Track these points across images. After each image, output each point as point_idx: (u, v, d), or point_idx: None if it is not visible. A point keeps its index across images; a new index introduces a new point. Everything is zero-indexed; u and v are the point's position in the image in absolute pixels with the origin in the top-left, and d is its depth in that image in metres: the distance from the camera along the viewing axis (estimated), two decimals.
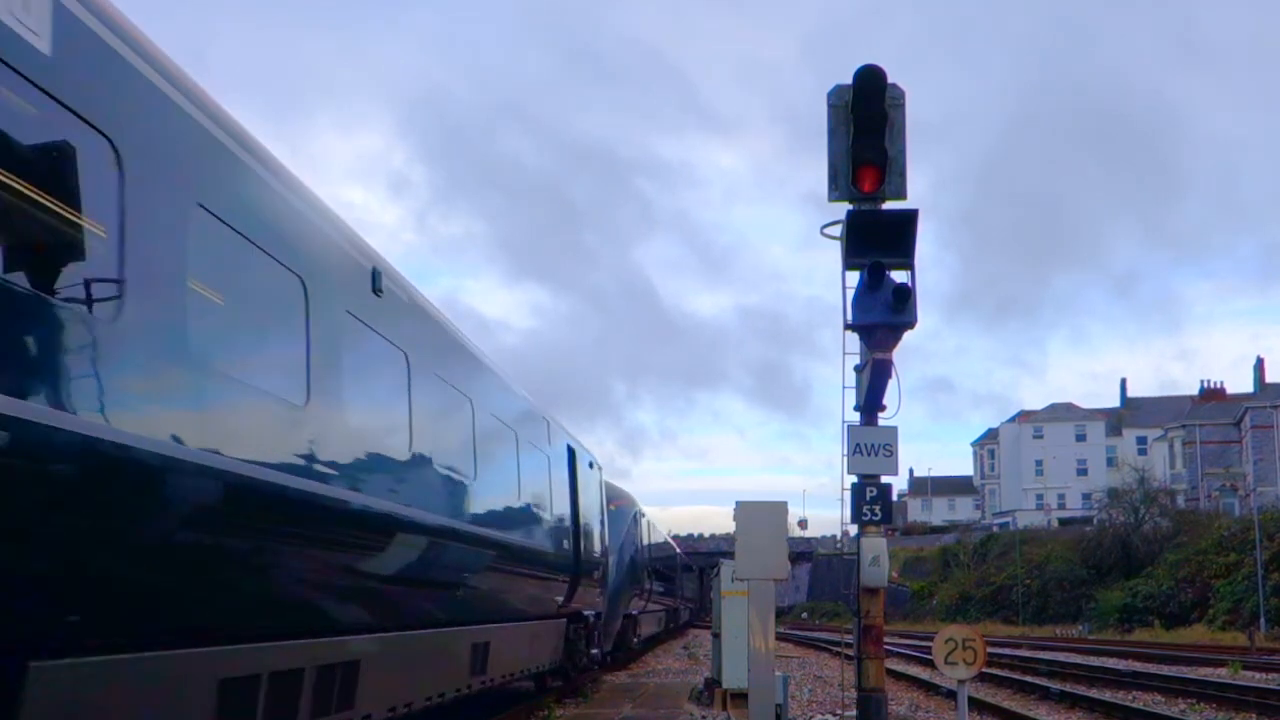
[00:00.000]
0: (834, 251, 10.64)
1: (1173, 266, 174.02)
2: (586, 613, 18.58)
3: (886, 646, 13.07)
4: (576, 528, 17.21)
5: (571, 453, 17.69)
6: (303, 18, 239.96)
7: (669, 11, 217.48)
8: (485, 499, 11.41)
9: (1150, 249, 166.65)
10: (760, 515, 12.71)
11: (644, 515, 31.93)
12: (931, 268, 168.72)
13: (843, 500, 10.69)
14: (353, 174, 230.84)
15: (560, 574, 16.05)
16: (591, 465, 19.33)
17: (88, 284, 4.60)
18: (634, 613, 28.56)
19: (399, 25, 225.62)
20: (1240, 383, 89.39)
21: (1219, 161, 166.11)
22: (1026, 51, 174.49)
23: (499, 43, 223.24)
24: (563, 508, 16.36)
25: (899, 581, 78.37)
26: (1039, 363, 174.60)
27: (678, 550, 53.19)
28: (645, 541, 31.73)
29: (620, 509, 27.03)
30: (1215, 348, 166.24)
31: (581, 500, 17.69)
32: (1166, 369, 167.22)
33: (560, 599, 16.29)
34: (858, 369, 10.73)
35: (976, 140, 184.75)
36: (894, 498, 11.40)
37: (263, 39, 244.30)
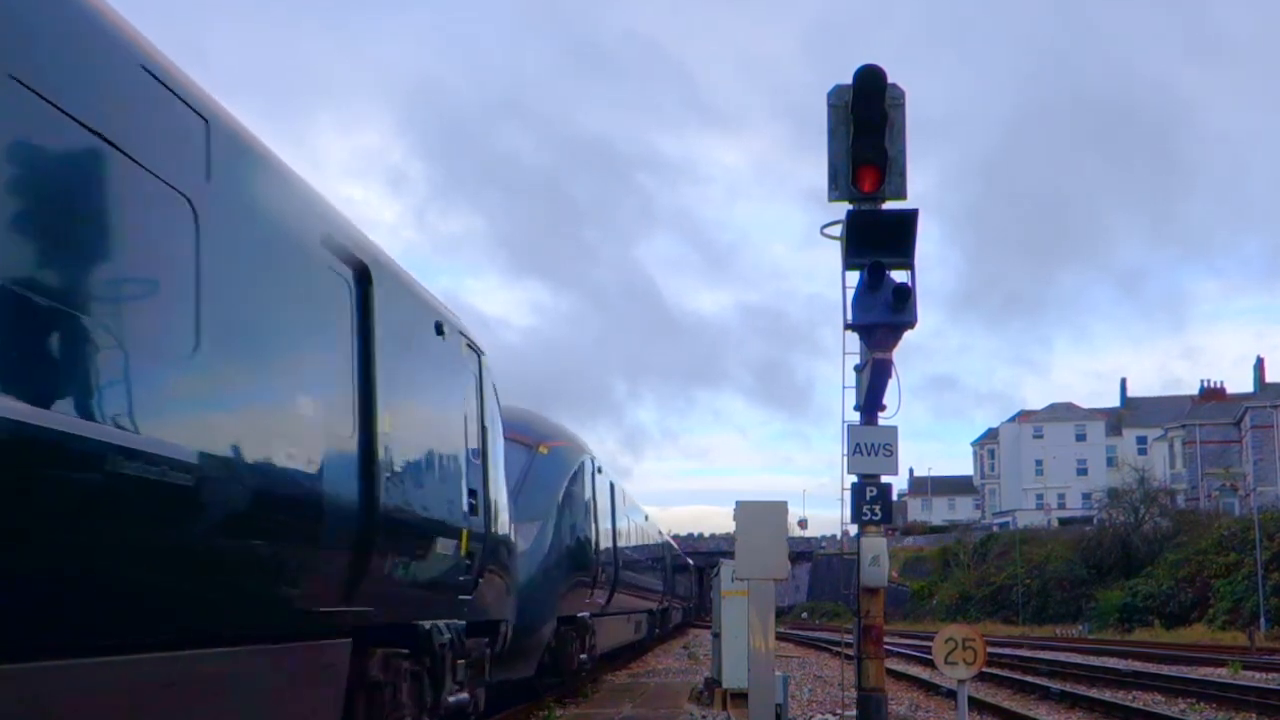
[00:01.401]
0: (835, 249, 10.66)
1: (1178, 264, 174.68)
2: (433, 626, 8.52)
3: (886, 646, 13.08)
4: (374, 441, 7.15)
5: (361, 274, 7.29)
6: (300, 15, 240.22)
7: (669, 6, 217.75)
8: None
9: (1156, 246, 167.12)
10: (760, 515, 12.71)
11: (602, 472, 20.83)
12: (935, 265, 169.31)
13: (843, 500, 10.71)
14: (351, 171, 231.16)
15: (315, 540, 6.50)
16: (443, 330, 9.09)
17: None
18: (584, 615, 18.35)
19: (397, 21, 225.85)
20: (1245, 382, 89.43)
21: (1227, 158, 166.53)
22: (1030, 46, 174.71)
23: (498, 38, 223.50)
24: (324, 387, 6.66)
25: (899, 581, 78.40)
26: (1043, 361, 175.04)
27: (667, 539, 43.70)
28: (610, 516, 21.67)
29: (557, 455, 17.13)
30: (1219, 346, 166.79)
31: (402, 381, 7.88)
32: (1170, 368, 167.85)
33: (317, 594, 6.66)
34: (858, 369, 10.74)
35: (980, 137, 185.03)
36: (894, 498, 11.38)
37: (261, 37, 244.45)
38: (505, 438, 12.46)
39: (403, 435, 7.67)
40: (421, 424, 8.36)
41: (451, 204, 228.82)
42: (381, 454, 7.15)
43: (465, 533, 9.13)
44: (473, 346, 10.28)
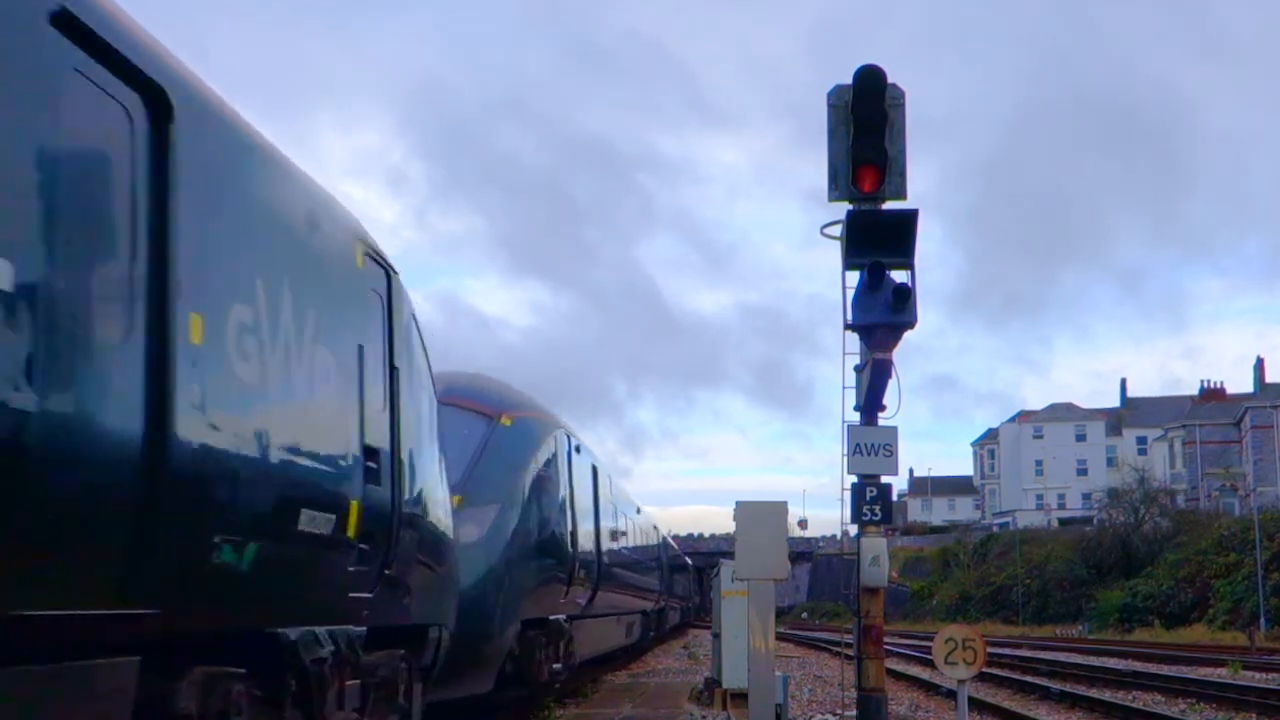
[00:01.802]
0: (836, 249, 10.67)
1: (1179, 264, 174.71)
2: (303, 635, 6.23)
3: (886, 646, 13.09)
4: (170, 354, 4.68)
5: (157, 103, 4.67)
6: (302, 14, 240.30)
7: (671, 6, 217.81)
8: None
9: (1157, 246, 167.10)
10: (760, 515, 12.72)
11: (581, 452, 17.87)
12: (936, 265, 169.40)
13: (843, 500, 10.72)
14: (352, 170, 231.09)
15: (43, 499, 3.93)
16: (320, 224, 6.62)
17: None
18: (558, 618, 15.52)
19: (399, 21, 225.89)
20: (1245, 382, 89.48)
21: (1228, 157, 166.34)
22: (1032, 46, 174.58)
23: (499, 38, 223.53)
24: (63, 260, 4.03)
25: (899, 581, 78.41)
26: (1043, 361, 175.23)
27: (663, 535, 40.74)
28: (593, 503, 18.87)
29: (524, 428, 14.33)
30: (1220, 346, 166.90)
31: (235, 276, 5.39)
32: (1171, 367, 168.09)
33: (67, 588, 4.18)
34: (858, 369, 10.74)
35: (982, 136, 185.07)
36: (894, 498, 11.38)
37: (262, 35, 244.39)
38: (458, 405, 11.33)
39: (229, 353, 5.22)
40: (270, 343, 5.67)
41: (451, 204, 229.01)
42: (183, 374, 4.74)
43: (356, 506, 6.53)
44: (376, 259, 7.39)
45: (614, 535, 21.83)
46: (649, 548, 31.79)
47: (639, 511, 29.83)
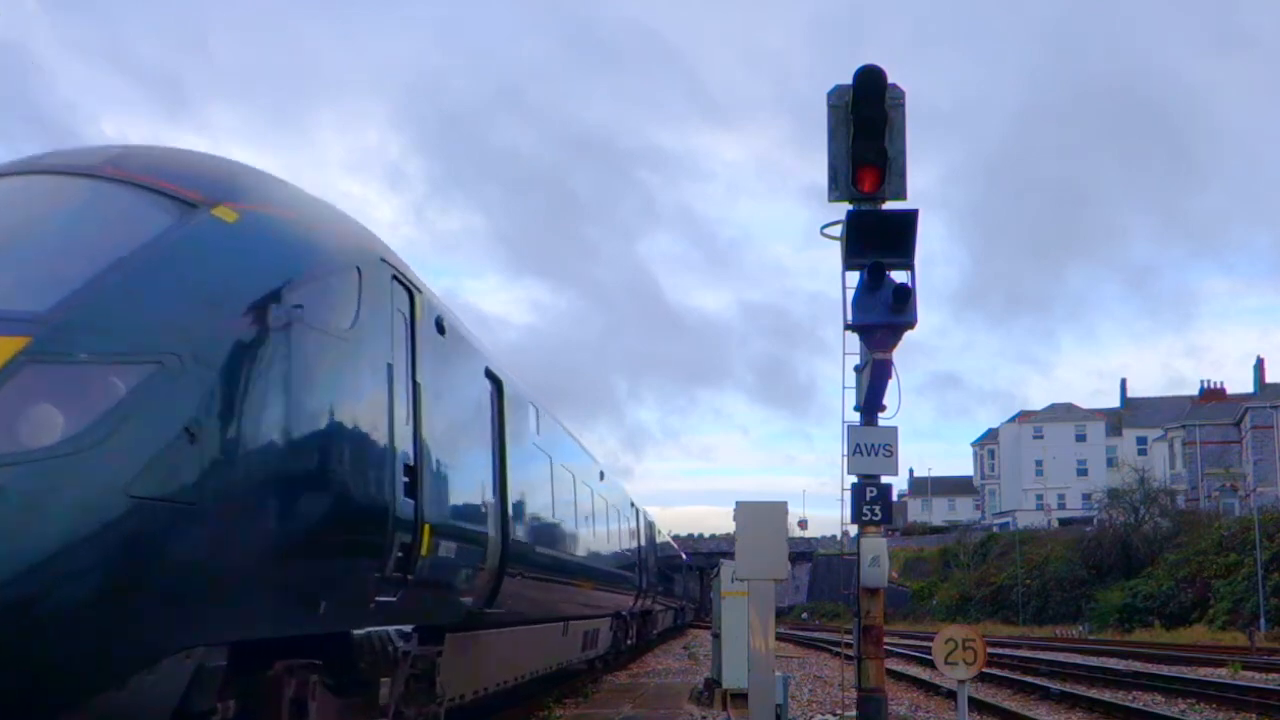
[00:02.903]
0: (837, 247, 10.66)
1: (1186, 262, 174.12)
2: None
3: (886, 646, 13.09)
4: None
5: None
6: (302, 10, 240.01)
7: None
8: None
9: (1165, 244, 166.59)
10: (760, 515, 12.72)
11: (449, 334, 9.28)
12: (940, 263, 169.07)
13: (843, 500, 10.71)
14: (349, 166, 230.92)
15: None
16: None
17: None
18: (385, 631, 7.67)
19: (397, 15, 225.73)
20: (1249, 382, 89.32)
21: (1241, 153, 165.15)
22: (1040, 38, 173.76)
23: (498, 31, 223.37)
24: None
25: (899, 582, 78.40)
26: (1047, 359, 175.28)
27: (648, 519, 32.63)
28: (493, 428, 10.87)
29: (268, 230, 6.34)
30: (1226, 345, 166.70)
31: None
32: (1175, 366, 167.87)
33: None
34: (858, 369, 10.75)
35: (988, 129, 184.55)
36: (894, 498, 11.34)
37: (259, 29, 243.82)
38: (114, 178, 6.22)
39: None
40: None
41: (451, 200, 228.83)
42: None
43: None
44: None
45: (548, 498, 14.23)
46: (620, 529, 23.77)
47: (603, 478, 21.41)
